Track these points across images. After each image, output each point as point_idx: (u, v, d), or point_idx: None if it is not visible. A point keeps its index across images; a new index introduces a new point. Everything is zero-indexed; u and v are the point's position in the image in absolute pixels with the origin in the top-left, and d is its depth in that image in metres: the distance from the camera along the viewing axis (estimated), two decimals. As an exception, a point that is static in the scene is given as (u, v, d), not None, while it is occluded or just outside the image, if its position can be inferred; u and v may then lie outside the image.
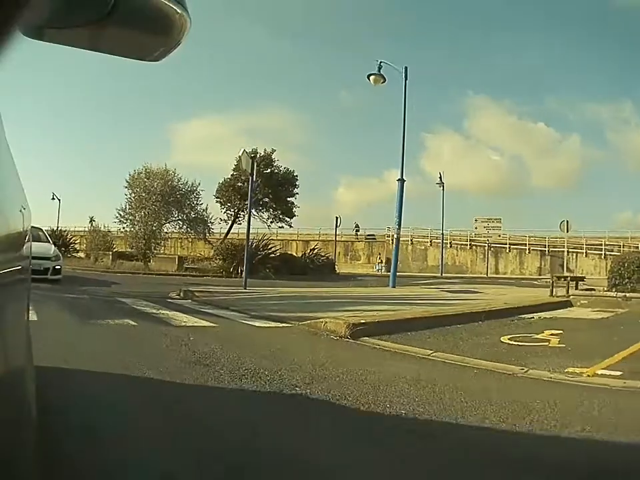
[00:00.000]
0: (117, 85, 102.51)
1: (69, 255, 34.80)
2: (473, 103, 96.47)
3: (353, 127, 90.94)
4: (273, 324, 7.91)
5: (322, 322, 7.13)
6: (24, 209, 1.28)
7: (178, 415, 3.29)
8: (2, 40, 0.63)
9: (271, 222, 39.52)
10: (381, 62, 18.03)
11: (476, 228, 41.16)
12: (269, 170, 38.31)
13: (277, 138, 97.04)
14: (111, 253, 34.84)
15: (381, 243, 46.74)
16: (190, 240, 39.17)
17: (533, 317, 9.20)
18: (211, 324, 7.79)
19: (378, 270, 41.65)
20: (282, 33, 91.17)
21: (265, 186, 37.45)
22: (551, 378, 4.73)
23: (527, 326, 8.12)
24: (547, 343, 6.40)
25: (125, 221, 33.83)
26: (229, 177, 40.10)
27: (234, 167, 38.71)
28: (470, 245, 43.34)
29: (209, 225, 35.10)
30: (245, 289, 14.47)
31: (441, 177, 42.29)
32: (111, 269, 28.22)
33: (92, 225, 40.22)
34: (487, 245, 39.73)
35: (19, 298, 1.18)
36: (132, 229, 33.72)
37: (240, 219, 39.48)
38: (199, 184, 33.55)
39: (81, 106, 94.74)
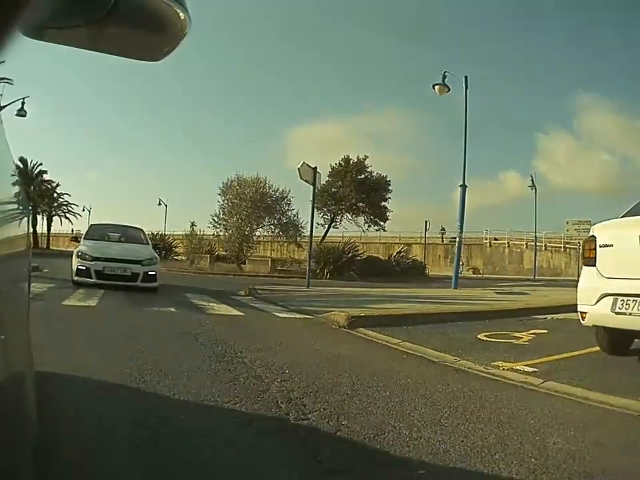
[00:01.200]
0: (231, 89, 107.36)
1: (171, 258, 38.32)
2: (583, 102, 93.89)
3: (473, 128, 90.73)
4: (295, 315, 9.26)
5: (332, 314, 8.34)
6: (24, 210, 1.29)
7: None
8: (2, 40, 0.64)
9: (368, 226, 41.69)
10: (445, 72, 18.81)
11: (567, 230, 40.33)
12: (362, 175, 40.63)
13: (393, 140, 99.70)
14: (209, 255, 37.45)
15: (479, 245, 47.02)
16: (281, 243, 41.18)
17: (546, 318, 9.47)
18: (240, 313, 9.34)
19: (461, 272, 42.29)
20: (399, 35, 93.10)
21: (357, 191, 39.76)
22: (468, 368, 5.23)
23: (521, 325, 8.34)
24: (515, 341, 6.72)
25: (218, 226, 36.67)
26: (324, 182, 41.95)
27: (328, 172, 40.87)
28: (564, 247, 42.52)
29: (300, 229, 36.74)
30: (308, 287, 15.81)
31: (533, 180, 41.92)
32: (203, 270, 30.73)
33: (191, 229, 41.75)
34: (578, 247, 39.08)
35: (19, 301, 1.19)
36: (225, 234, 36.66)
37: (336, 222, 42.17)
38: (289, 191, 35.38)
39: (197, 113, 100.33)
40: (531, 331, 7.54)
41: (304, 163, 16.64)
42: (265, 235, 38.46)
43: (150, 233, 43.30)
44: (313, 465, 2.68)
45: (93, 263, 12.50)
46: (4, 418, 0.93)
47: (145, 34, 1.04)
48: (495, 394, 4.21)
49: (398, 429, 3.19)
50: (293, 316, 9.21)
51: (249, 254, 37.23)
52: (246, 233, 36.18)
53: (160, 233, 45.48)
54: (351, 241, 32.66)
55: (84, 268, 12.45)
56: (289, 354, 5.59)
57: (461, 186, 19.59)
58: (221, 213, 36.67)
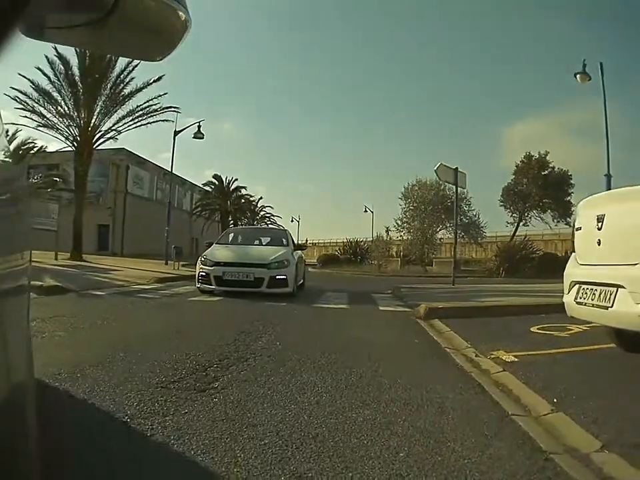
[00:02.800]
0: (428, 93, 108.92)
1: (365, 263, 41.57)
2: None
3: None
4: (397, 309, 10.87)
5: (419, 307, 9.39)
6: (24, 210, 1.28)
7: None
8: (2, 40, 0.64)
9: (556, 223, 41.59)
10: (584, 60, 19.39)
11: None
12: (546, 171, 40.65)
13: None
14: (399, 259, 40.28)
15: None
16: (462, 244, 41.72)
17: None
18: (346, 306, 11.20)
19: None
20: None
21: (541, 187, 39.93)
22: (459, 353, 5.94)
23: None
24: (558, 333, 6.77)
25: (401, 229, 38.58)
26: (510, 180, 42.85)
27: (513, 170, 41.35)
28: None
29: (481, 229, 37.43)
30: (453, 285, 16.82)
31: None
32: (387, 273, 33.14)
33: (377, 234, 44.26)
34: None
35: (18, 306, 1.17)
36: (408, 237, 38.63)
37: (527, 220, 42.54)
38: (467, 192, 36.29)
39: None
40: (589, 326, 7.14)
41: (441, 164, 16.83)
42: (448, 237, 39.65)
43: (352, 240, 47.50)
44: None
45: (212, 268, 12.02)
46: (4, 425, 0.93)
47: (145, 34, 1.04)
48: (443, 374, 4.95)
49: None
50: (393, 309, 10.77)
51: (433, 256, 38.87)
52: (428, 235, 38.13)
53: (356, 239, 48.55)
54: (527, 238, 32.47)
55: (204, 274, 12.12)
56: (324, 337, 7.12)
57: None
58: (403, 216, 38.68)
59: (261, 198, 63.14)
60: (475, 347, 5.96)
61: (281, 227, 15.68)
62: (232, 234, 15.62)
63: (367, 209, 60.72)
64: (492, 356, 5.43)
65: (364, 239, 49.23)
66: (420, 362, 5.50)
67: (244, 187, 58.51)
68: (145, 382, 4.24)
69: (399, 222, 39.74)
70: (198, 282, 12.32)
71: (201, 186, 58.21)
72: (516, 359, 5.25)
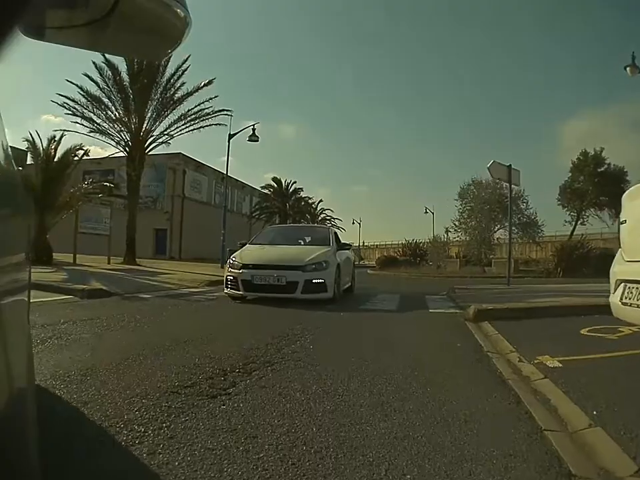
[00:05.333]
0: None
1: (425, 264, 41.74)
2: None
3: None
4: (447, 310, 10.58)
5: (470, 308, 9.12)
6: (23, 211, 1.31)
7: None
8: (2, 40, 0.65)
9: (614, 221, 40.56)
10: (634, 52, 19.25)
11: None
12: (602, 168, 40.73)
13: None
14: (458, 259, 40.67)
15: None
16: (520, 244, 41.53)
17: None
18: (394, 309, 10.83)
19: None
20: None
21: (597, 185, 39.91)
22: (500, 356, 5.74)
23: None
24: (609, 335, 6.45)
25: (458, 230, 38.63)
26: (567, 178, 42.58)
27: (570, 168, 40.98)
28: None
29: (539, 228, 37.11)
30: (508, 285, 16.61)
31: None
32: (443, 274, 33.03)
33: (435, 235, 44.89)
34: None
35: (17, 307, 1.16)
36: (466, 237, 38.61)
37: (584, 219, 42.69)
38: (523, 190, 36.33)
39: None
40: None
41: (494, 161, 16.48)
42: (505, 237, 39.41)
43: (411, 241, 48.33)
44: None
45: (240, 271, 10.98)
46: (3, 428, 0.92)
47: (145, 34, 1.06)
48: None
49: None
50: (444, 311, 10.45)
51: (491, 256, 38.68)
52: (485, 235, 38.02)
53: (415, 240, 48.85)
54: (584, 237, 31.98)
55: (231, 278, 11.14)
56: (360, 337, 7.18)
57: None
58: (460, 217, 38.86)
59: (321, 200, 63.13)
60: (520, 351, 5.64)
61: (326, 225, 14.87)
62: (268, 233, 14.68)
63: (428, 210, 60.22)
64: (536, 361, 5.11)
65: (423, 240, 49.37)
66: (457, 368, 5.19)
67: (301, 189, 58.87)
68: (156, 386, 4.09)
69: (456, 222, 39.46)
70: (226, 287, 11.41)
71: (260, 189, 58.46)
72: (560, 365, 4.93)
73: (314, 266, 10.94)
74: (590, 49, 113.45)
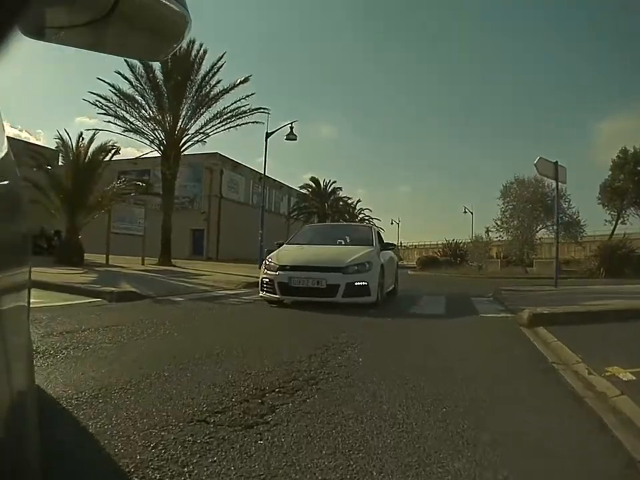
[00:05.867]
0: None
1: (466, 264, 41.71)
2: None
3: None
4: (499, 314, 9.95)
5: (522, 313, 8.55)
6: (23, 210, 1.30)
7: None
8: (2, 40, 0.65)
9: None
10: None
11: None
12: None
13: None
14: (499, 260, 40.45)
15: None
16: (562, 244, 42.09)
17: None
18: (442, 314, 10.22)
19: None
20: None
21: (638, 183, 39.52)
22: (567, 367, 5.18)
23: None
24: None
25: (501, 229, 38.51)
26: (607, 177, 42.76)
27: (610, 167, 40.69)
28: None
29: (581, 227, 37.01)
30: (556, 287, 15.92)
31: None
32: (486, 274, 32.74)
33: (475, 235, 44.85)
34: None
35: (18, 308, 1.14)
36: (508, 237, 38.31)
37: (625, 218, 42.38)
38: (566, 189, 35.73)
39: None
40: None
41: (540, 158, 16.01)
42: (547, 237, 39.27)
43: (451, 241, 48.63)
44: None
45: (276, 273, 10.29)
46: (4, 433, 0.90)
47: (146, 34, 1.05)
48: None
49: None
50: (494, 315, 9.86)
51: (533, 256, 38.62)
52: (528, 235, 37.62)
53: (455, 240, 49.43)
54: (625, 237, 31.74)
55: (267, 280, 10.45)
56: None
57: None
58: (502, 216, 38.90)
59: (359, 200, 62.47)
60: (587, 362, 5.03)
61: (367, 224, 13.97)
62: (307, 232, 13.87)
63: (467, 210, 59.45)
64: (607, 373, 4.56)
65: (463, 241, 49.26)
66: (523, 384, 4.65)
67: (340, 188, 58.09)
68: (179, 412, 3.42)
69: (498, 222, 39.14)
70: (261, 290, 10.70)
71: (298, 189, 58.09)
72: (634, 377, 4.39)
73: (356, 267, 10.17)
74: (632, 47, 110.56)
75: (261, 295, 10.72)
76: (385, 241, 13.15)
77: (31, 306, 5.96)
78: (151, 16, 1.01)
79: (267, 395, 3.94)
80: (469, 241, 46.54)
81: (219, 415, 3.39)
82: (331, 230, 15.05)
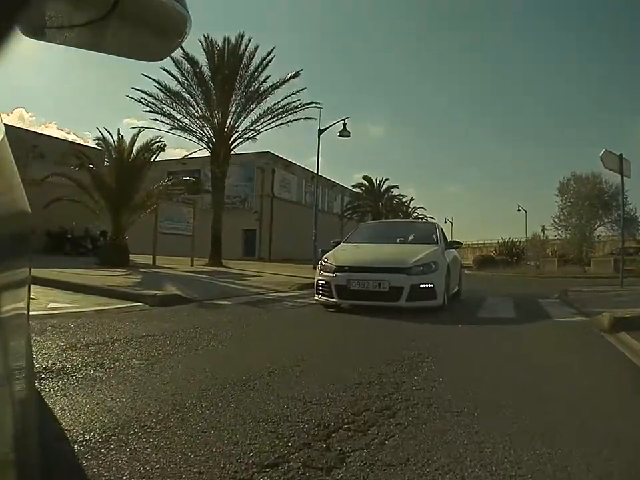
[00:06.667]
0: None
1: (522, 263, 41.75)
2: None
3: None
4: (573, 318, 9.11)
5: (600, 317, 7.78)
6: (23, 210, 1.30)
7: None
8: (2, 40, 0.65)
9: None
10: None
11: None
12: None
13: None
14: (556, 259, 39.79)
15: None
16: (619, 241, 41.67)
17: None
18: (514, 318, 9.21)
19: None
20: None
21: None
22: None
23: None
24: None
25: (559, 228, 38.21)
26: None
27: None
28: None
29: (639, 224, 36.63)
30: (621, 287, 15.30)
31: None
32: (543, 274, 32.50)
33: (533, 234, 45.38)
34: None
35: (17, 309, 1.12)
36: (566, 235, 38.23)
37: None
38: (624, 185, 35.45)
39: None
40: None
41: (606, 150, 15.28)
42: (606, 234, 39.13)
43: (507, 240, 47.86)
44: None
45: (333, 275, 9.40)
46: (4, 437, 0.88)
47: (146, 34, 1.05)
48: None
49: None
50: (569, 319, 9.00)
51: (591, 255, 38.12)
52: (586, 233, 37.23)
53: (511, 239, 48.88)
54: None
55: (323, 282, 9.57)
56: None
57: None
58: (560, 214, 38.54)
59: (412, 199, 61.16)
60: None
61: (425, 220, 12.85)
62: (365, 230, 13.05)
63: (520, 208, 58.19)
64: None
65: (519, 239, 49.10)
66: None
67: (396, 187, 56.74)
68: (217, 467, 2.49)
69: (556, 220, 38.37)
70: (316, 293, 9.82)
71: (351, 188, 57.18)
72: None
73: (421, 268, 9.23)
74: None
75: (316, 298, 9.84)
76: (450, 239, 12.33)
77: (61, 311, 7.42)
78: (152, 16, 1.00)
79: (333, 434, 3.00)
80: (525, 239, 47.07)
81: (271, 472, 2.45)
82: (391, 227, 14.10)
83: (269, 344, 6.10)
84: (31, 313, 8.49)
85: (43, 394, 3.50)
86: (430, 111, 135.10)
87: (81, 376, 4.09)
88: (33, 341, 5.30)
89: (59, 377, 4.02)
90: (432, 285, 9.18)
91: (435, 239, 11.02)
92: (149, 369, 4.41)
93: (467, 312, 9.78)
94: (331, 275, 9.45)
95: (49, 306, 8.04)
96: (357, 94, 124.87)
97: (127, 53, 1.12)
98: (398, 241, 11.53)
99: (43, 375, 4.02)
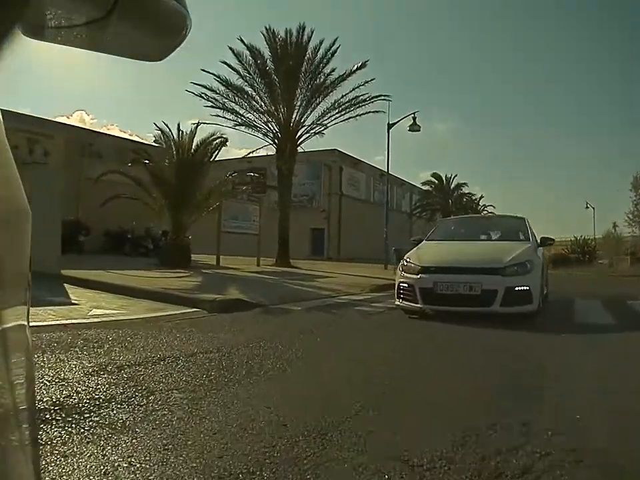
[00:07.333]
0: None
1: (595, 262, 41.31)
2: None
3: None
4: None
5: None
6: (24, 210, 1.15)
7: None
8: (2, 40, 0.67)
9: None
10: None
11: None
12: None
13: None
14: (629, 257, 38.92)
15: None
16: None
17: None
18: (611, 322, 8.37)
19: None
20: None
21: None
22: None
23: None
24: None
25: (633, 224, 37.96)
26: None
27: None
28: None
29: None
30: None
31: None
32: (616, 273, 31.69)
33: (607, 231, 44.75)
34: None
35: (15, 319, 0.99)
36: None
37: None
38: None
39: None
40: None
41: None
42: None
43: (580, 238, 46.51)
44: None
45: (417, 277, 8.26)
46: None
47: (146, 34, 1.01)
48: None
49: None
50: None
51: None
52: None
53: (583, 237, 47.63)
54: None
55: (406, 285, 8.42)
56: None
57: None
58: (634, 209, 37.90)
59: (482, 196, 59.24)
60: None
61: (512, 214, 11.36)
62: (448, 226, 12.02)
63: (589, 205, 55.90)
64: None
65: (590, 237, 47.88)
66: None
67: (465, 184, 55.10)
68: None
69: (629, 215, 37.14)
70: (398, 297, 8.70)
71: (420, 186, 55.78)
72: None
73: (516, 268, 8.06)
74: None
75: (396, 303, 8.71)
76: (542, 236, 10.68)
77: (103, 319, 6.59)
78: (152, 16, 0.96)
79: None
80: (595, 237, 46.32)
81: None
82: (476, 223, 12.74)
83: (349, 365, 4.82)
84: (67, 321, 6.91)
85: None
86: (496, 111, 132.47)
87: (98, 418, 2.96)
88: (55, 360, 4.30)
89: (68, 419, 2.91)
90: (528, 288, 7.97)
91: (526, 235, 9.89)
92: (193, 409, 3.23)
93: (561, 317, 8.76)
94: (414, 276, 8.33)
95: (90, 313, 7.09)
96: (422, 90, 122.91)
97: (128, 53, 1.07)
98: (484, 237, 10.50)
99: (48, 415, 2.93)
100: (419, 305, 8.16)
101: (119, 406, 3.20)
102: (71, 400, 3.24)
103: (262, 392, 3.69)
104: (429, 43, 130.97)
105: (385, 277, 17.11)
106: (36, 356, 4.35)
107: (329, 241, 44.03)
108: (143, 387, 3.61)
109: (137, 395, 3.42)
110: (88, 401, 3.24)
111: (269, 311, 8.33)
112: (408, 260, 8.81)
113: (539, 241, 10.11)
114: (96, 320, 6.48)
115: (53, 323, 6.10)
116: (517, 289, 7.88)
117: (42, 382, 3.57)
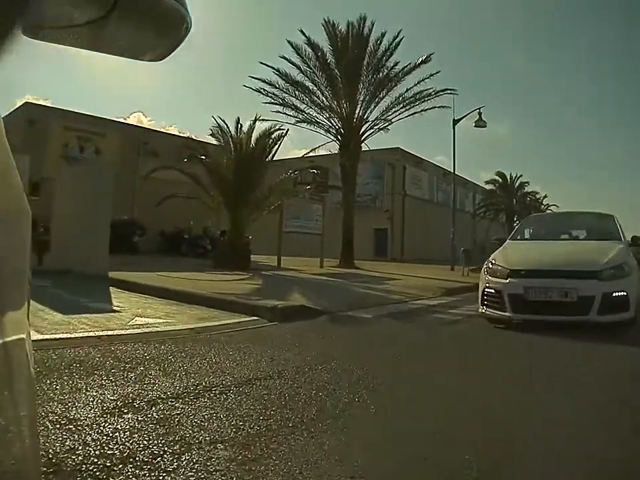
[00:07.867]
0: None
1: None
2: None
3: None
4: None
5: None
6: (24, 210, 1.06)
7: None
8: (2, 40, 0.66)
9: None
10: None
11: None
12: None
13: None
14: None
15: None
16: None
17: None
18: None
19: None
20: None
21: None
22: None
23: None
24: None
25: None
26: None
27: None
28: None
29: None
30: None
31: None
32: None
33: None
34: None
35: (16, 316, 0.95)
36: None
37: None
38: None
39: None
40: None
41: None
42: None
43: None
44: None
45: (506, 281, 7.34)
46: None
47: (146, 34, 1.02)
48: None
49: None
50: None
51: None
52: None
53: None
54: None
55: (492, 291, 7.50)
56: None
57: None
58: None
59: (546, 196, 57.35)
60: None
61: (601, 212, 10.03)
62: (532, 224, 11.08)
63: None
64: None
65: None
66: None
67: (527, 183, 53.79)
68: None
69: None
70: (481, 304, 7.76)
71: (483, 185, 54.63)
72: None
73: (613, 271, 7.18)
74: None
75: (481, 310, 7.75)
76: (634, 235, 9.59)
77: (144, 330, 5.81)
78: (152, 16, 0.96)
79: None
80: None
81: None
82: (560, 221, 11.58)
83: (441, 395, 3.72)
84: (102, 332, 5.53)
85: None
86: (556, 112, 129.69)
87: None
88: (71, 389, 3.38)
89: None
90: (625, 293, 7.07)
91: (617, 235, 8.88)
92: (243, 478, 2.23)
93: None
94: (502, 281, 7.39)
95: (131, 322, 6.21)
96: (482, 90, 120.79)
97: (127, 53, 1.05)
98: (569, 237, 9.75)
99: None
100: (507, 314, 7.21)
101: (137, 471, 2.21)
102: (72, 457, 2.28)
103: (341, 446, 2.63)
104: (495, 46, 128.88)
105: (454, 279, 16.20)
106: (47, 382, 3.44)
107: (392, 242, 42.94)
108: (176, 437, 2.61)
109: (165, 452, 2.41)
110: (95, 460, 2.27)
111: (337, 319, 7.34)
112: (494, 262, 7.89)
113: (630, 240, 9.13)
114: (136, 331, 5.58)
115: (84, 334, 5.21)
116: (614, 294, 7.01)
117: (43, 424, 2.64)
